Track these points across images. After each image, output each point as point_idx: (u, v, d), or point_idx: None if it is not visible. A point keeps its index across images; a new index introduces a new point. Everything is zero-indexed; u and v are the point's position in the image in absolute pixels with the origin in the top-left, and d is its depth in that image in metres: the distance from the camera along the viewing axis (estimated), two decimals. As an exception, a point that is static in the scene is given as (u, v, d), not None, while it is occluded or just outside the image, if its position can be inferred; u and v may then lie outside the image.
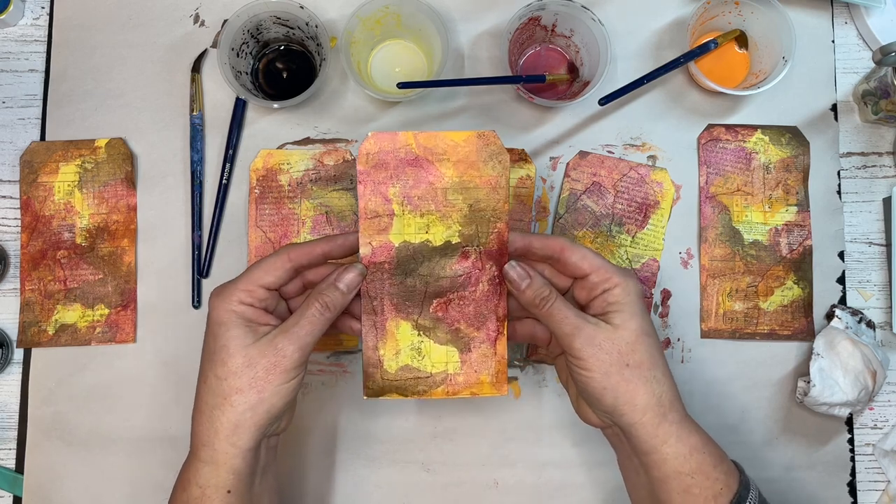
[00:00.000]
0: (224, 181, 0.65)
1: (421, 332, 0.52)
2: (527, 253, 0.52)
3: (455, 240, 0.51)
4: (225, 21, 0.65)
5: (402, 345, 0.52)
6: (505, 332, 0.53)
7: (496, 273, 0.52)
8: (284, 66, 0.67)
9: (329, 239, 0.52)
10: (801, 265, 0.65)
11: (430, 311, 0.52)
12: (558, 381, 0.64)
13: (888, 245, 0.66)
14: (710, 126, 0.67)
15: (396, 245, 0.51)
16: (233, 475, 0.48)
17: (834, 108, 0.67)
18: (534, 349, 0.64)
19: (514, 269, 0.51)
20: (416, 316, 0.52)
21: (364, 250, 0.51)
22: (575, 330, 0.49)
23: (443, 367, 0.53)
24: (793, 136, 0.67)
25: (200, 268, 0.65)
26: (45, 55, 0.67)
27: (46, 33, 0.67)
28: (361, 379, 0.55)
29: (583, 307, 0.52)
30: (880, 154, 0.68)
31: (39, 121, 0.66)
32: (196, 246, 0.65)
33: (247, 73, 0.66)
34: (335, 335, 0.64)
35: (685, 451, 0.49)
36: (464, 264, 0.52)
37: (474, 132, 0.51)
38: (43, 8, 0.68)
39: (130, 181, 0.65)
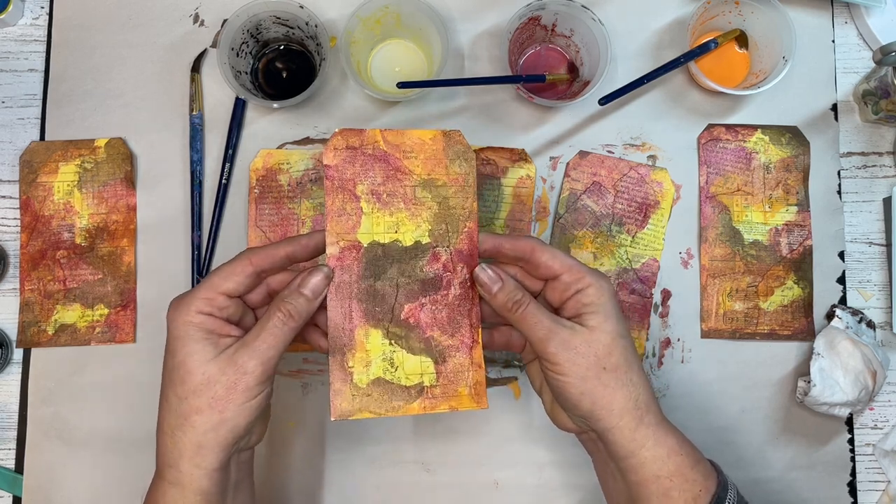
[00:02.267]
0: (224, 181, 0.65)
1: (392, 342, 0.49)
2: (497, 254, 0.51)
3: (425, 240, 0.50)
4: (225, 21, 0.65)
5: (372, 355, 0.49)
6: (480, 340, 0.50)
7: (467, 275, 0.50)
8: (284, 66, 0.67)
9: (292, 240, 0.48)
10: (801, 265, 0.65)
11: (402, 317, 0.49)
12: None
13: (888, 245, 0.66)
14: (710, 126, 0.67)
15: (365, 245, 0.49)
16: (200, 496, 0.45)
17: (834, 107, 0.67)
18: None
19: (484, 272, 0.49)
20: (387, 323, 0.49)
21: (331, 250, 0.48)
22: (549, 334, 0.47)
23: (418, 380, 0.49)
24: (793, 135, 0.67)
25: (200, 268, 0.65)
26: (44, 55, 0.67)
27: (46, 33, 0.67)
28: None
29: (556, 310, 0.50)
30: (880, 154, 0.68)
31: (39, 120, 0.66)
32: (196, 246, 0.65)
33: (246, 73, 0.66)
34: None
35: (663, 453, 0.48)
36: (435, 266, 0.50)
37: (440, 131, 0.51)
38: (42, 8, 0.68)
39: (130, 181, 0.65)
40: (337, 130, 0.49)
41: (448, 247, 0.50)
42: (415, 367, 0.49)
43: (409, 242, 0.49)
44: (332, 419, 0.48)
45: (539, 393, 0.54)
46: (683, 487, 0.48)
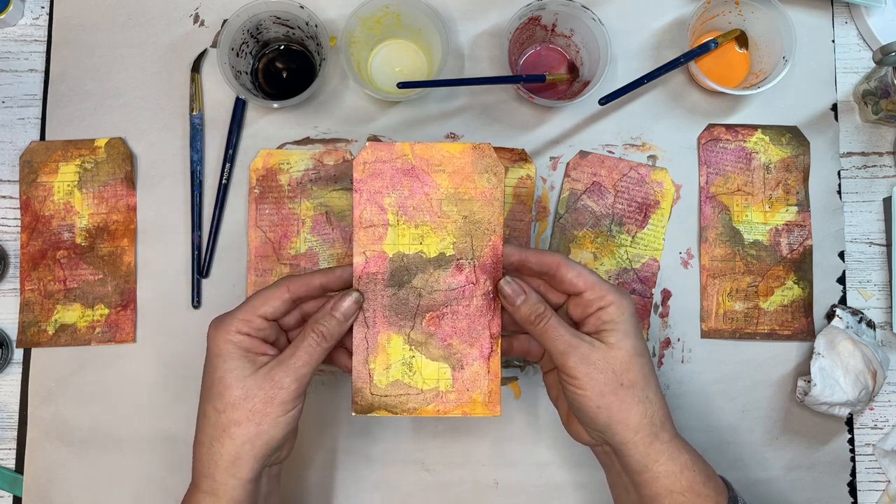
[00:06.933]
0: (224, 181, 0.65)
1: (413, 347, 0.51)
2: (522, 267, 0.52)
3: (449, 252, 0.51)
4: (225, 21, 0.65)
5: (392, 359, 0.51)
6: (499, 350, 0.52)
7: (490, 288, 0.51)
8: (284, 66, 0.67)
9: (327, 271, 0.52)
10: (801, 265, 0.65)
11: (423, 325, 0.51)
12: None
13: (888, 245, 0.66)
14: (710, 126, 0.67)
15: (390, 255, 0.51)
16: None
17: (834, 107, 0.67)
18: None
19: (509, 285, 0.51)
20: (409, 330, 0.51)
21: (358, 260, 0.51)
22: (569, 348, 0.49)
23: (434, 384, 0.51)
24: (793, 135, 0.67)
25: (200, 268, 0.65)
26: (44, 55, 0.67)
27: (46, 33, 0.67)
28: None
29: (577, 324, 0.52)
30: (880, 154, 0.68)
31: (39, 121, 0.66)
32: (196, 246, 0.65)
33: (247, 73, 0.66)
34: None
35: (676, 469, 0.49)
36: (458, 277, 0.51)
37: (470, 144, 0.51)
38: (43, 8, 0.68)
39: (130, 181, 0.65)
40: (367, 143, 0.51)
41: (472, 259, 0.51)
42: (432, 372, 0.51)
43: (433, 254, 0.51)
44: (353, 414, 0.51)
45: (555, 403, 0.55)
46: (696, 502, 0.49)
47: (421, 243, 0.51)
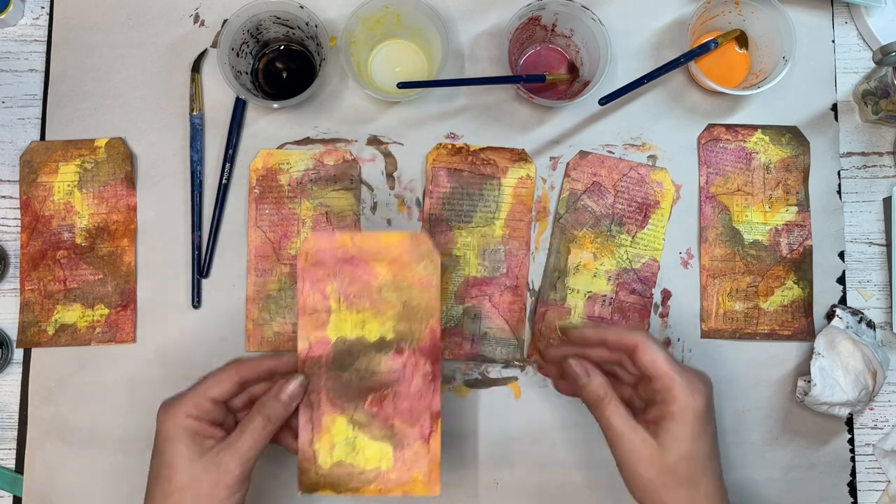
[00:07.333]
0: (224, 181, 0.65)
1: (356, 428, 0.53)
2: (601, 346, 0.54)
3: (389, 336, 0.53)
4: (225, 21, 0.65)
5: (336, 440, 0.53)
6: (439, 430, 0.53)
7: (430, 369, 0.53)
8: (284, 66, 0.67)
9: (276, 357, 0.53)
10: (801, 265, 0.65)
11: (366, 406, 0.53)
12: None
13: (888, 245, 0.66)
14: (710, 126, 0.67)
15: (333, 340, 0.53)
16: None
17: (834, 107, 0.67)
18: (534, 349, 0.64)
19: (578, 365, 0.53)
20: (352, 411, 0.53)
21: (302, 345, 0.53)
22: (619, 438, 0.51)
23: (376, 464, 0.53)
24: (793, 135, 0.67)
25: (200, 268, 0.65)
26: (44, 55, 0.67)
27: (46, 33, 0.67)
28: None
29: (645, 406, 0.53)
30: (880, 154, 0.68)
31: (39, 121, 0.66)
32: (196, 246, 0.65)
33: (247, 73, 0.66)
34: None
35: None
36: (398, 360, 0.53)
37: (407, 233, 0.53)
38: (43, 8, 0.68)
39: (130, 181, 0.65)
40: (308, 234, 0.53)
41: (412, 342, 0.53)
42: (375, 452, 0.53)
43: (374, 338, 0.53)
44: (299, 494, 0.53)
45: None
46: None
47: (362, 328, 0.53)
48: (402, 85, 0.60)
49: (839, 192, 0.67)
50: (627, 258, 0.65)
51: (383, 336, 0.53)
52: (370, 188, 0.66)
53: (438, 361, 0.53)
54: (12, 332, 0.64)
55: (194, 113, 0.66)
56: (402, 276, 0.53)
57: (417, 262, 0.53)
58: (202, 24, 0.67)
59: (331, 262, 0.53)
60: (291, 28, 0.65)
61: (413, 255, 0.53)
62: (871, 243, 0.67)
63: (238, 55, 0.64)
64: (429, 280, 0.53)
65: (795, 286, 0.65)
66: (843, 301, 0.66)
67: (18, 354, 0.64)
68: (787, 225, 0.66)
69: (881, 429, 0.65)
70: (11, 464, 0.64)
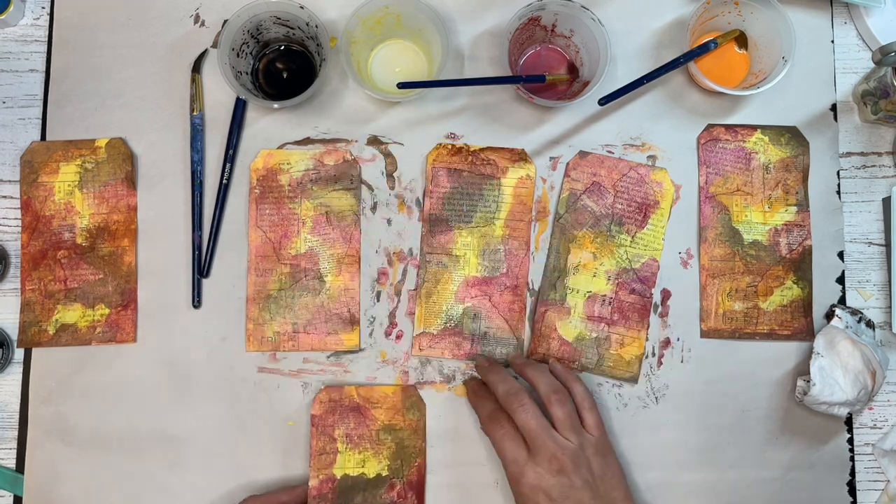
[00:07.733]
0: (224, 181, 0.65)
1: None
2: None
3: (384, 473, 0.62)
4: (225, 21, 0.65)
5: None
6: None
7: (415, 501, 0.62)
8: (284, 66, 0.67)
9: (288, 490, 0.61)
10: (800, 265, 0.66)
11: None
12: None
13: (888, 245, 0.66)
14: (709, 126, 0.67)
15: (339, 477, 0.62)
16: None
17: (833, 108, 0.68)
18: (534, 349, 0.64)
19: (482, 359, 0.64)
20: None
21: (313, 482, 0.61)
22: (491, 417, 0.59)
23: None
24: (792, 136, 0.67)
25: (200, 268, 0.65)
26: (45, 55, 0.67)
27: (47, 33, 0.67)
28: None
29: None
30: (880, 154, 0.68)
31: (40, 121, 0.66)
32: (196, 246, 0.65)
33: (247, 73, 0.66)
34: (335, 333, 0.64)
35: None
36: (391, 493, 0.62)
37: (400, 386, 0.63)
38: (43, 8, 0.68)
39: (130, 181, 0.65)
40: (322, 387, 0.63)
41: (402, 478, 0.62)
42: None
43: (372, 475, 0.62)
44: None
45: None
46: None
47: (363, 466, 0.62)
48: (402, 85, 0.60)
49: (838, 192, 0.67)
50: (627, 258, 0.65)
51: (379, 473, 0.62)
52: (370, 188, 0.66)
53: (423, 494, 0.62)
54: (13, 332, 0.64)
55: (195, 113, 0.66)
56: (396, 420, 0.63)
57: (408, 410, 0.63)
58: (202, 24, 0.67)
59: (339, 409, 0.62)
60: (292, 28, 0.65)
61: (405, 403, 0.63)
62: (870, 243, 0.67)
63: (238, 55, 0.64)
64: (417, 424, 0.63)
65: (795, 286, 0.65)
66: (842, 301, 0.66)
67: (19, 354, 0.64)
68: (786, 225, 0.66)
69: (880, 428, 0.65)
70: (12, 463, 0.64)
